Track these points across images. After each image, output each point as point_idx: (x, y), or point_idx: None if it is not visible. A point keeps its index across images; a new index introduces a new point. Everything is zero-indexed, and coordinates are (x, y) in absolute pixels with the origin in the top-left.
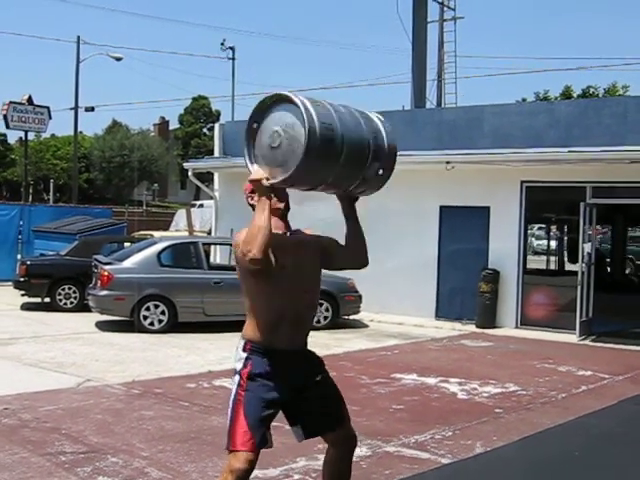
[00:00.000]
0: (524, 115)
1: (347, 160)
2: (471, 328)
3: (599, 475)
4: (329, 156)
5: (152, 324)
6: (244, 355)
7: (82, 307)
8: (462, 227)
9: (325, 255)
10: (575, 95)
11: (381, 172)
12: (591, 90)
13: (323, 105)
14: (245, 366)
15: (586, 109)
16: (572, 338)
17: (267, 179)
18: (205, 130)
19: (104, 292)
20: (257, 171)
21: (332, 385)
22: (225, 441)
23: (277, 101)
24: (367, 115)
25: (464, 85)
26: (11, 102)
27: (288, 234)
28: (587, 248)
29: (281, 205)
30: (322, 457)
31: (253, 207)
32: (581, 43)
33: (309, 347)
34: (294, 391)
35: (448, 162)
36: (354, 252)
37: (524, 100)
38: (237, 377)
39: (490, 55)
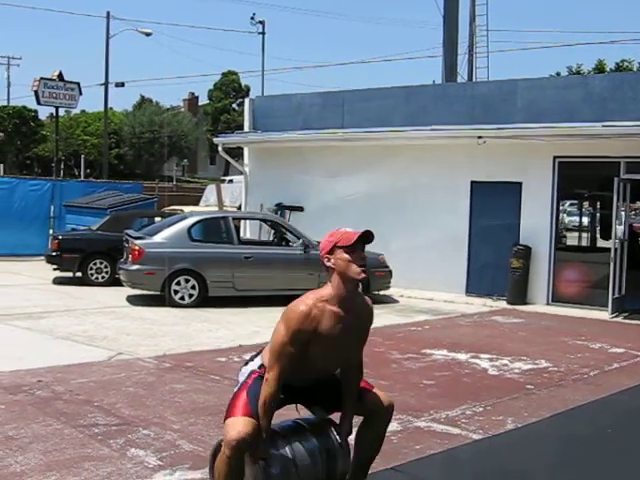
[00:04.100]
0: (558, 89)
1: None
2: (502, 304)
3: (631, 452)
4: None
5: (182, 298)
6: (257, 372)
7: (113, 281)
8: (493, 203)
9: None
10: (608, 69)
11: None
12: (625, 64)
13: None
14: (257, 376)
15: (621, 83)
16: (604, 315)
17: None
18: (234, 106)
19: (135, 266)
20: None
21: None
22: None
23: None
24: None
25: (495, 59)
26: (42, 78)
27: (347, 313)
28: (620, 224)
29: (359, 277)
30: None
31: (327, 269)
32: (614, 16)
33: None
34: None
35: (480, 137)
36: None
37: (557, 74)
38: (248, 372)
39: (521, 29)
